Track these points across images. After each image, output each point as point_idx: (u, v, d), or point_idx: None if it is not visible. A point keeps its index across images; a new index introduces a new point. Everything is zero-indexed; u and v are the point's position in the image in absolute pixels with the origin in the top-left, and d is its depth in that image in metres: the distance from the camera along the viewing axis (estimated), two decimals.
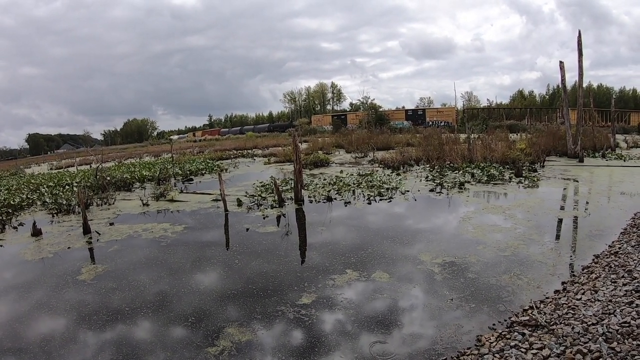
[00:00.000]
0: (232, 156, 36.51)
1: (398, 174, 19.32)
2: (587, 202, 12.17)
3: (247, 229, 11.73)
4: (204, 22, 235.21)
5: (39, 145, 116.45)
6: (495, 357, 4.86)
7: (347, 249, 9.49)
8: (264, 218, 12.95)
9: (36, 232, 12.34)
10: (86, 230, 12.27)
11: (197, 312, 6.90)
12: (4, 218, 14.80)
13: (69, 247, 11.01)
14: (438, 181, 16.49)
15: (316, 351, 5.65)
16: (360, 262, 8.61)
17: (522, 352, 4.83)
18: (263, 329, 6.30)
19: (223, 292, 7.70)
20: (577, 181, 15.34)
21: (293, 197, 15.09)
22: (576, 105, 22.57)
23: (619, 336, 4.72)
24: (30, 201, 17.93)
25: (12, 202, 17.05)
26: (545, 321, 5.43)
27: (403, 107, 68.88)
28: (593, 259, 7.70)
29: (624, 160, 19.97)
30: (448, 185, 15.62)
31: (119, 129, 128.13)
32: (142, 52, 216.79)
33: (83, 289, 8.24)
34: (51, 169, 41.50)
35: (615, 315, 5.24)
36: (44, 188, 21.13)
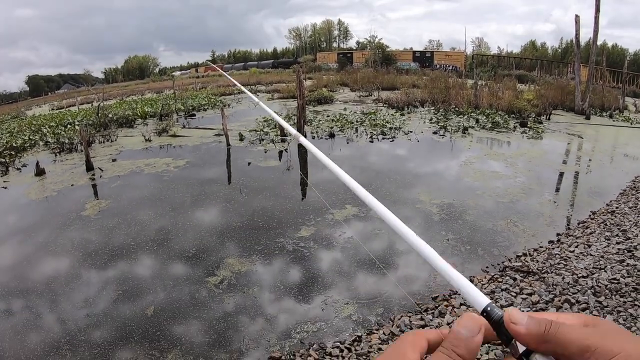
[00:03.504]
0: (235, 92, 36.18)
1: (402, 115, 19.22)
2: (590, 160, 12.14)
3: (249, 163, 11.83)
4: None
5: (39, 86, 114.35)
6: None
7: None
8: (265, 152, 13.04)
9: (39, 172, 12.39)
10: (89, 167, 12.35)
11: (199, 245, 7.07)
12: (7, 160, 14.77)
13: (72, 185, 11.10)
14: (442, 124, 16.41)
15: (311, 282, 5.82)
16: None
17: (512, 295, 4.99)
18: (262, 260, 6.48)
19: (224, 226, 7.88)
20: (581, 137, 15.26)
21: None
22: (588, 62, 22.15)
23: (607, 291, 4.87)
24: (33, 142, 17.85)
25: (14, 144, 16.99)
26: (537, 269, 5.57)
27: (411, 49, 67.45)
28: (589, 215, 7.80)
29: (631, 123, 19.84)
30: (452, 129, 15.57)
31: (119, 67, 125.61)
32: None
33: (87, 225, 8.39)
34: (52, 109, 41.00)
35: (605, 271, 5.40)
36: (45, 128, 20.96)
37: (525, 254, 6.12)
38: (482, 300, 0.64)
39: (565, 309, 4.51)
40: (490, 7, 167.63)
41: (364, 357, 4.29)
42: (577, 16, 21.42)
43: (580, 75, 21.81)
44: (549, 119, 18.44)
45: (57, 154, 15.36)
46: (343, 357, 4.30)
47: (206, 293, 5.73)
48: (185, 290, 5.87)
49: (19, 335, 5.15)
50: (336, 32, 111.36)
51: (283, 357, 4.47)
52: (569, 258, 5.89)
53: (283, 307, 5.28)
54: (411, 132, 15.16)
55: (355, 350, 4.42)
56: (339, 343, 4.57)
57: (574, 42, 22.78)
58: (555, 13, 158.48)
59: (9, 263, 7.20)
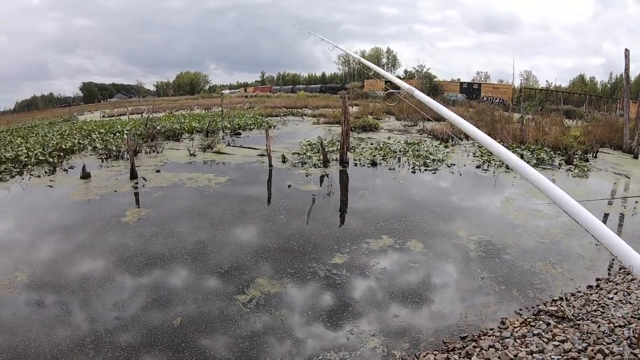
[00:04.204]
0: (281, 114, 36.66)
1: (446, 147, 19.06)
2: (637, 202, 11.76)
3: (289, 186, 11.96)
4: None
5: (93, 93, 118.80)
6: (516, 342, 4.90)
7: (386, 215, 9.59)
8: (306, 176, 13.15)
9: (85, 175, 12.96)
10: (133, 175, 12.82)
11: (232, 262, 7.19)
12: (55, 161, 15.51)
13: (115, 191, 11.52)
14: (485, 158, 16.20)
15: (340, 311, 5.81)
16: (397, 229, 8.70)
17: (543, 341, 4.84)
18: (292, 283, 6.52)
19: (259, 246, 7.98)
20: (628, 177, 14.76)
21: (338, 159, 15.15)
22: (638, 98, 21.56)
23: None
24: (82, 146, 18.68)
25: (64, 146, 17.74)
26: (572, 314, 5.41)
27: (458, 80, 66.86)
28: None
29: None
30: (495, 164, 15.33)
31: (171, 81, 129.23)
32: (196, 7, 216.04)
33: (126, 231, 8.71)
34: (103, 116, 42.75)
35: None
36: (95, 134, 21.91)
37: (561, 298, 5.96)
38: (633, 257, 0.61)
39: None
40: (540, 40, 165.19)
41: None
42: (626, 50, 20.90)
43: (629, 111, 21.26)
44: (595, 157, 17.96)
45: (104, 159, 16.00)
46: None
47: (234, 310, 5.80)
48: (214, 305, 5.97)
49: (46, 329, 5.37)
50: (384, 60, 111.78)
51: None
52: (607, 305, 5.68)
53: (308, 333, 5.29)
54: (454, 164, 15.01)
55: None
56: None
57: (623, 77, 22.25)
58: (605, 46, 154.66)
59: (46, 258, 7.55)
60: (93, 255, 7.58)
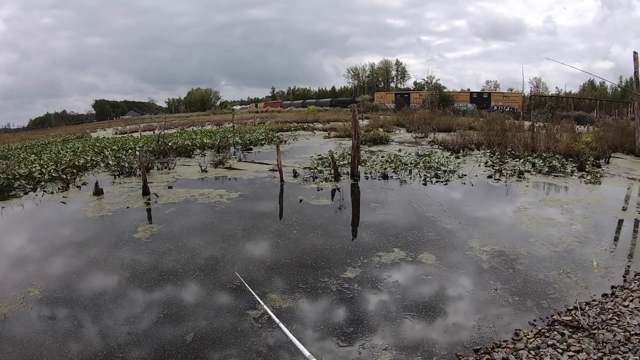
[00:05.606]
0: (292, 128, 36.90)
1: (457, 157, 19.04)
2: None
3: (301, 200, 12.00)
4: None
5: (105, 111, 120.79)
6: (530, 353, 4.85)
7: (397, 228, 9.57)
8: (318, 190, 13.20)
9: (98, 192, 13.14)
10: (145, 192, 12.95)
11: (244, 277, 7.14)
12: (69, 177, 15.77)
13: (127, 207, 11.66)
14: (497, 168, 16.11)
15: (352, 325, 5.79)
16: (409, 242, 8.68)
17: (558, 352, 4.79)
18: (304, 298, 6.52)
19: (271, 261, 8.01)
20: None
21: (349, 172, 15.19)
22: None
23: None
24: (94, 163, 18.97)
25: (76, 163, 18.04)
26: (587, 324, 5.34)
27: (468, 90, 67.07)
28: None
29: None
30: (507, 173, 15.24)
31: (182, 98, 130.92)
32: (204, 23, 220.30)
33: (138, 247, 8.80)
34: (116, 133, 43.39)
35: None
36: (107, 151, 22.24)
37: (576, 308, 5.89)
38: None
39: None
40: (547, 45, 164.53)
41: None
42: (635, 53, 20.72)
43: None
44: (608, 162, 17.80)
45: (117, 176, 16.24)
46: None
47: (246, 325, 5.81)
48: (226, 320, 5.99)
49: (58, 344, 5.45)
50: (394, 72, 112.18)
51: None
52: (623, 313, 5.61)
53: (320, 347, 5.27)
54: (465, 175, 14.96)
55: None
56: None
57: (633, 80, 22.06)
58: (613, 50, 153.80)
59: (59, 274, 7.65)
60: (105, 271, 7.66)
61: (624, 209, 11.27)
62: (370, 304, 6.35)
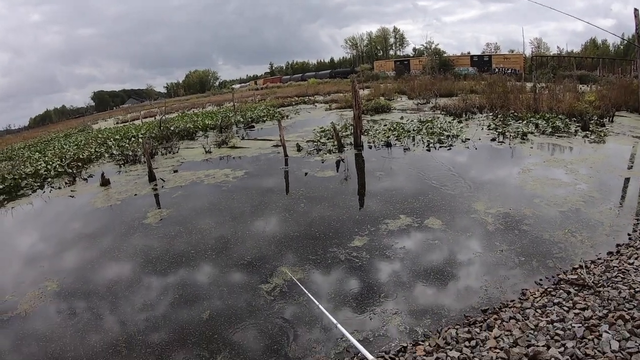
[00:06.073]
0: (293, 103, 36.71)
1: (460, 122, 18.95)
2: None
3: (306, 174, 12.09)
4: None
5: (105, 101, 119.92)
6: (537, 312, 4.95)
7: (403, 195, 9.65)
8: (322, 162, 13.28)
9: (105, 182, 13.24)
10: (151, 178, 13.06)
11: (255, 253, 7.35)
12: (74, 171, 15.88)
13: (135, 194, 11.78)
14: (500, 130, 16.05)
15: (362, 292, 5.91)
16: (415, 208, 8.77)
17: (564, 310, 4.88)
18: (314, 269, 6.64)
19: (280, 235, 8.13)
20: None
21: (352, 143, 15.22)
22: None
23: None
24: (98, 154, 19.04)
25: (81, 156, 18.10)
26: (592, 282, 5.42)
27: (468, 53, 66.04)
28: None
29: None
30: (510, 135, 15.19)
31: (181, 81, 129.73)
32: (196, 1, 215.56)
33: (149, 232, 8.94)
34: (117, 123, 43.25)
35: None
36: (110, 141, 22.22)
37: (581, 266, 5.97)
38: None
39: (619, 326, 4.38)
40: (547, 4, 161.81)
41: None
42: (636, 10, 20.34)
43: None
44: (612, 121, 17.67)
45: (122, 165, 16.25)
46: None
47: (259, 299, 5.96)
48: (240, 296, 6.15)
49: (79, 333, 5.61)
50: (392, 40, 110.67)
51: None
52: (628, 271, 5.67)
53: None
54: (468, 139, 14.94)
55: None
56: (384, 353, 4.63)
57: (634, 37, 21.77)
58: (614, 7, 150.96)
59: (74, 266, 7.79)
60: (119, 259, 7.80)
61: (630, 168, 11.21)
62: (379, 271, 6.46)
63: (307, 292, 5.34)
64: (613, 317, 4.52)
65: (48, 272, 7.57)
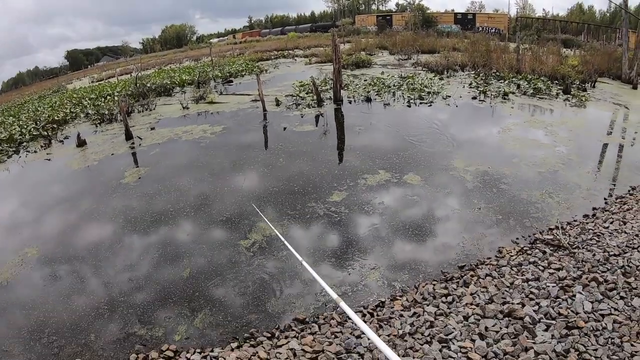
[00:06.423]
0: (272, 57, 35.98)
1: (441, 79, 18.70)
2: (636, 132, 11.54)
3: (285, 128, 11.89)
4: None
5: (78, 60, 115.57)
6: (513, 270, 5.01)
7: (382, 151, 9.59)
8: (301, 117, 13.06)
9: (81, 143, 12.80)
10: (128, 136, 12.69)
11: (234, 210, 7.28)
12: (49, 133, 15.26)
13: (112, 154, 11.45)
14: (482, 89, 15.95)
15: (340, 246, 5.91)
16: (394, 164, 8.74)
17: (539, 269, 4.95)
18: (293, 224, 6.62)
19: (258, 190, 8.05)
20: (627, 108, 14.50)
21: (332, 97, 14.99)
22: (638, 27, 21.04)
23: (638, 272, 4.69)
24: (74, 115, 18.29)
25: (56, 118, 17.42)
26: (568, 243, 5.49)
27: (452, 10, 65.44)
28: (629, 190, 7.53)
29: None
30: (492, 94, 15.12)
31: (157, 37, 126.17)
32: None
33: (127, 192, 8.74)
34: (92, 82, 41.65)
35: (638, 251, 5.21)
36: (85, 101, 21.42)
37: (557, 227, 6.03)
38: None
39: (592, 288, 4.44)
40: None
41: (385, 322, 4.36)
42: None
43: (628, 41, 20.85)
44: (593, 86, 17.72)
45: (98, 125, 15.75)
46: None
47: (238, 256, 5.93)
48: (220, 253, 6.10)
49: (62, 298, 5.51)
50: None
51: (307, 319, 4.59)
52: (602, 234, 5.77)
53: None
54: (449, 96, 14.84)
55: (377, 315, 4.50)
56: (362, 308, 4.65)
57: (621, 5, 21.69)
58: None
59: (54, 230, 7.58)
60: (99, 221, 7.63)
61: (609, 134, 11.31)
62: (357, 226, 6.46)
63: (275, 230, 5.35)
64: (587, 278, 4.59)
65: (27, 239, 7.37)
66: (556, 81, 17.58)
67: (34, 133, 15.44)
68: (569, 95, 15.22)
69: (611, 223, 6.13)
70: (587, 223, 6.22)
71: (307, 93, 16.27)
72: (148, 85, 21.90)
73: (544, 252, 5.35)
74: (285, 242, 4.35)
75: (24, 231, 7.75)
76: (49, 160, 12.21)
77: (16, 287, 5.96)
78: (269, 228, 6.38)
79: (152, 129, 13.66)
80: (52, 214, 8.38)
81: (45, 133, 15.18)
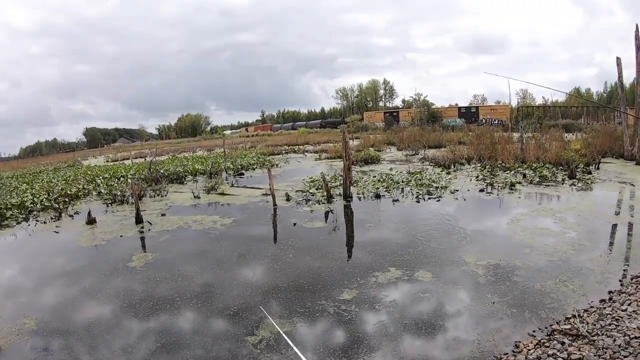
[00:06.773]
0: (283, 151, 36.97)
1: (448, 173, 19.06)
2: None
3: (294, 224, 11.94)
4: (253, 18, 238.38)
5: (96, 138, 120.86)
6: None
7: (392, 247, 9.55)
8: (311, 213, 13.17)
9: (91, 221, 13.00)
10: (138, 220, 12.82)
11: (241, 303, 7.15)
12: (61, 207, 15.63)
13: (121, 236, 11.56)
14: (489, 181, 16.14)
15: (351, 346, 5.75)
16: (405, 260, 8.64)
17: None
18: (302, 322, 6.47)
19: (267, 285, 7.93)
20: (633, 185, 14.63)
21: (342, 193, 15.19)
22: (634, 104, 21.47)
23: None
24: (86, 191, 18.79)
25: (68, 192, 17.91)
26: (586, 331, 5.33)
27: (456, 105, 67.71)
28: None
29: None
30: (499, 186, 15.28)
31: (173, 124, 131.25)
32: (192, 48, 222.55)
33: (133, 275, 8.72)
34: (107, 161, 43.17)
35: None
36: (99, 179, 22.11)
37: (574, 316, 5.88)
38: None
39: None
40: (531, 57, 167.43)
41: None
42: (618, 58, 21.06)
43: (627, 119, 21.21)
44: (598, 168, 17.91)
45: (109, 204, 16.09)
46: None
47: (244, 352, 5.75)
48: (224, 347, 5.93)
49: None
50: (382, 91, 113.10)
51: None
52: (621, 318, 5.60)
53: None
54: (457, 190, 14.99)
55: None
56: None
57: (617, 85, 22.28)
58: (597, 56, 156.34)
59: (54, 304, 7.56)
60: (101, 301, 7.56)
61: (617, 213, 11.32)
62: (369, 324, 6.31)
63: (292, 344, 5.21)
64: None
65: (27, 308, 7.33)
66: (561, 167, 17.84)
67: (46, 204, 15.82)
68: (574, 180, 15.41)
69: (629, 305, 5.97)
70: (604, 308, 6.05)
71: (317, 189, 16.52)
72: (162, 171, 22.41)
73: (563, 343, 5.18)
74: (293, 346, 4.28)
75: (24, 300, 7.75)
76: (57, 233, 12.43)
77: (10, 357, 5.87)
78: (278, 325, 6.28)
79: (163, 215, 13.83)
80: (54, 287, 8.41)
81: (57, 205, 15.54)
